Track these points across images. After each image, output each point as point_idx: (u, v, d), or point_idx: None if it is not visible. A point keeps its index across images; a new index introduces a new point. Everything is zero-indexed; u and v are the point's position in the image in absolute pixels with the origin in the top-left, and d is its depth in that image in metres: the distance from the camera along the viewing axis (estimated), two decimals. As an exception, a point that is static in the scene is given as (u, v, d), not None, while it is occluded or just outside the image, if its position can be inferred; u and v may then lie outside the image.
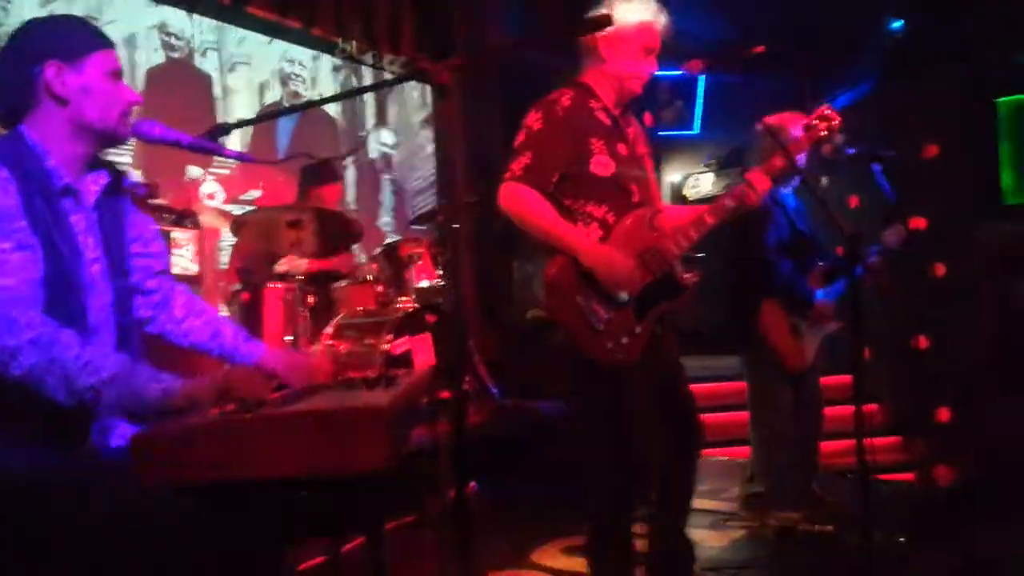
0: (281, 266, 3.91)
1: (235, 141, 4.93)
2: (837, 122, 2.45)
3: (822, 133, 2.45)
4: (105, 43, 1.57)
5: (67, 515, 1.32)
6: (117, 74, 1.57)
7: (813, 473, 3.31)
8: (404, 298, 3.96)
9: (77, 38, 1.54)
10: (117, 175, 1.66)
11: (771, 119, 3.11)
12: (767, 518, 3.22)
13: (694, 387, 2.39)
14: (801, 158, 2.99)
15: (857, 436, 2.14)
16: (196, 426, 1.21)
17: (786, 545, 2.98)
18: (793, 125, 2.95)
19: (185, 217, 3.51)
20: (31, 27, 1.56)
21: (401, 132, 6.55)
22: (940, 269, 4.83)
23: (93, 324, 1.52)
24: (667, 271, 2.23)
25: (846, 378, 3.99)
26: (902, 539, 2.83)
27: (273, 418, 1.22)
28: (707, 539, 3.08)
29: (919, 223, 4.60)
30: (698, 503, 2.36)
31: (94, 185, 1.59)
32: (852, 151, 3.39)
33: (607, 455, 2.20)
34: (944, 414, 4.33)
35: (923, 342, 4.74)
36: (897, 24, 5.67)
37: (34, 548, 1.31)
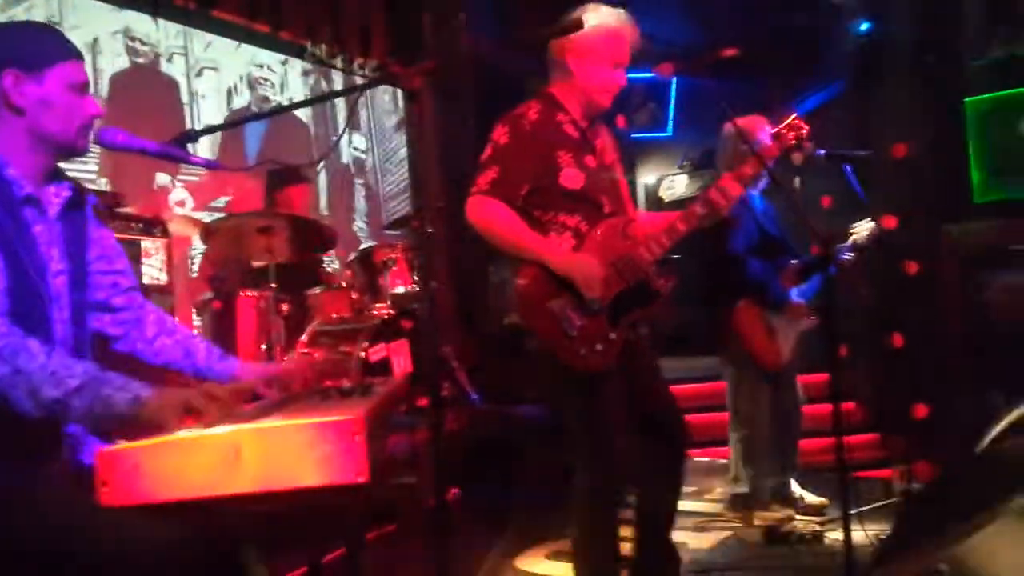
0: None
1: (204, 147, 4.86)
2: (805, 131, 2.47)
3: (791, 142, 2.47)
4: (70, 54, 1.51)
5: (24, 532, 1.27)
6: (81, 87, 1.51)
7: (794, 472, 3.33)
8: (380, 304, 3.92)
9: (40, 48, 1.49)
10: (79, 189, 1.62)
11: (740, 121, 3.13)
12: (751, 518, 3.22)
13: (675, 388, 2.38)
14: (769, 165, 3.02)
15: (835, 434, 2.15)
16: (164, 443, 1.16)
17: (771, 545, 2.98)
18: (759, 129, 2.98)
19: (154, 225, 3.43)
20: None
21: (373, 136, 6.50)
22: (912, 267, 4.88)
23: (57, 336, 1.47)
24: (641, 278, 2.22)
25: (823, 376, 4.02)
26: (879, 537, 2.84)
27: (246, 433, 1.17)
28: (693, 540, 3.08)
29: (890, 222, 4.65)
30: (682, 504, 2.35)
31: (56, 198, 1.55)
32: (823, 152, 3.42)
33: (586, 459, 2.18)
34: (921, 410, 4.37)
35: (898, 340, 4.79)
36: (865, 26, 5.74)
37: None
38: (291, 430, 1.16)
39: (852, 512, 2.09)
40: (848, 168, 3.37)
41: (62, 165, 1.60)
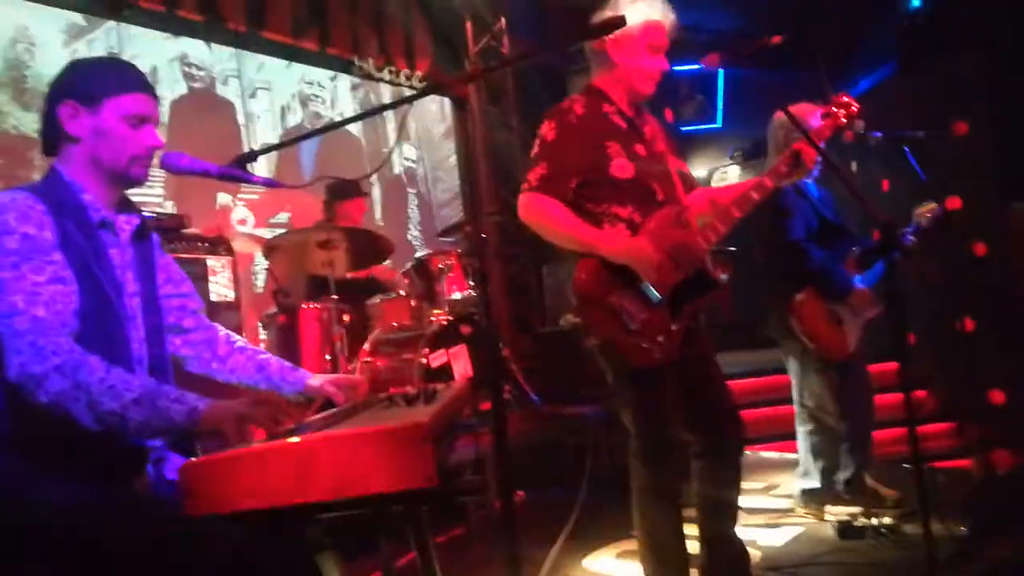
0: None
1: (261, 166, 5.00)
2: (856, 108, 2.41)
3: (842, 121, 2.41)
4: (131, 87, 1.56)
5: (114, 545, 1.32)
6: (137, 119, 1.56)
7: (867, 464, 3.23)
8: (437, 311, 3.96)
9: (99, 81, 1.55)
10: (145, 219, 1.69)
11: (792, 108, 3.06)
12: (824, 513, 3.15)
13: (738, 383, 2.34)
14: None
15: (908, 424, 2.08)
16: (243, 454, 1.21)
17: (845, 540, 2.90)
18: (811, 116, 2.91)
19: (219, 244, 3.55)
20: (66, 68, 1.59)
21: (423, 145, 6.58)
22: (980, 249, 4.71)
23: (135, 355, 1.54)
24: (698, 267, 2.19)
25: (892, 365, 3.90)
26: (963, 528, 2.75)
27: (318, 442, 1.21)
28: (763, 537, 3.02)
29: (954, 203, 4.50)
30: (752, 501, 2.30)
31: (127, 224, 1.62)
32: (879, 134, 3.32)
33: (646, 455, 2.16)
34: (998, 396, 4.21)
35: (969, 324, 4.62)
36: (915, 3, 5.56)
37: None
38: (361, 437, 1.19)
39: (931, 504, 2.02)
40: (907, 149, 3.28)
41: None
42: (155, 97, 1.62)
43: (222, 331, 1.85)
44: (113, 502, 1.40)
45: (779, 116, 3.17)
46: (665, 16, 2.24)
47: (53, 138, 1.55)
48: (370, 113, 4.95)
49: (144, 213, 1.71)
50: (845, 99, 2.42)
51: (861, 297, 3.15)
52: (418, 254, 4.56)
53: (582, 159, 2.17)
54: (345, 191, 4.26)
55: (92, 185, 1.55)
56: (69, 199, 1.50)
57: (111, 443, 1.39)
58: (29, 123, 4.20)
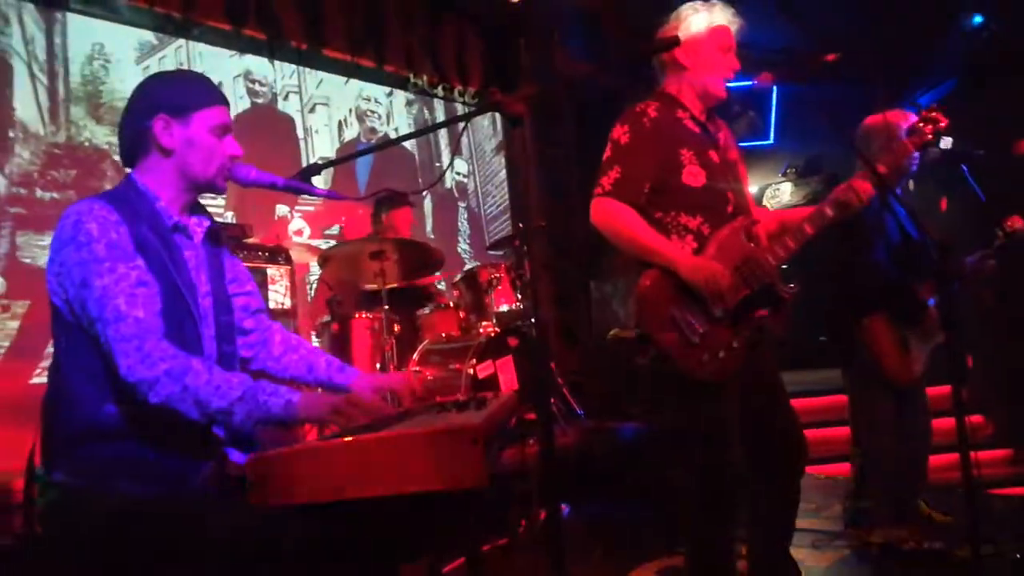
0: None
1: (318, 179, 5.14)
2: (944, 123, 2.34)
3: (928, 136, 2.35)
4: (215, 100, 1.67)
5: (182, 529, 1.41)
6: (223, 128, 1.66)
7: (920, 488, 3.14)
8: (485, 323, 4.02)
9: (188, 94, 1.64)
10: (215, 221, 1.78)
11: (875, 119, 2.99)
12: (873, 536, 3.08)
13: (795, 402, 2.29)
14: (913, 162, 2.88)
15: (962, 449, 2.03)
16: (302, 449, 1.27)
17: (893, 564, 2.84)
18: (904, 123, 2.84)
19: (278, 254, 3.68)
20: (150, 83, 1.68)
21: (474, 160, 6.69)
22: (1044, 269, 4.58)
23: (206, 352, 1.63)
24: (766, 283, 2.14)
25: (947, 388, 3.80)
26: (1018, 555, 2.68)
27: (374, 440, 1.26)
28: (810, 559, 2.97)
29: (1017, 222, 4.39)
30: (800, 522, 2.27)
31: (199, 227, 1.71)
32: (938, 151, 3.26)
33: (700, 472, 2.11)
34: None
35: (1029, 347, 4.50)
36: (976, 20, 5.45)
37: (159, 567, 1.41)
38: (415, 437, 1.24)
39: (983, 530, 1.98)
40: (965, 168, 3.20)
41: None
42: (229, 108, 1.72)
43: (279, 331, 1.93)
44: (180, 498, 1.48)
45: (868, 123, 3.06)
46: (731, 21, 2.25)
47: (140, 150, 1.63)
48: (428, 130, 5.08)
49: (212, 216, 1.80)
50: (934, 114, 2.36)
51: (933, 322, 3.00)
52: (467, 266, 4.63)
53: (655, 164, 2.13)
54: (392, 201, 4.36)
55: (168, 193, 1.63)
56: (143, 206, 1.59)
57: (182, 430, 1.48)
58: (102, 136, 4.42)
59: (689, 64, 2.22)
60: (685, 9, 2.25)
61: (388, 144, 3.75)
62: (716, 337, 2.08)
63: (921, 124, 2.35)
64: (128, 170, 1.66)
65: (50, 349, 1.58)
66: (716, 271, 2.05)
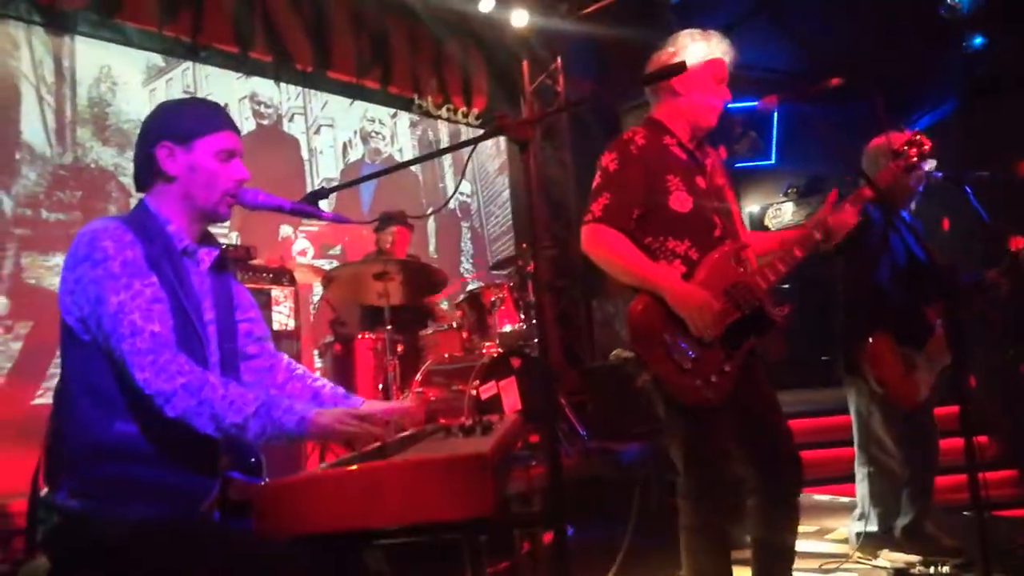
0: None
1: (323, 200, 5.17)
2: (928, 147, 2.38)
3: (913, 159, 2.38)
4: (221, 125, 1.68)
5: (191, 564, 1.40)
6: (228, 153, 1.67)
7: (927, 511, 3.13)
8: (488, 343, 4.02)
9: (192, 121, 1.66)
10: (224, 251, 1.79)
11: (880, 140, 3.02)
12: (879, 559, 3.06)
13: (795, 423, 2.29)
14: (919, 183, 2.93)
15: (969, 470, 2.02)
16: (308, 478, 1.27)
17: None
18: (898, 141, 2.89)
19: (282, 275, 3.69)
20: (158, 110, 1.70)
21: (477, 181, 6.72)
22: (1047, 290, 4.58)
23: None
24: (756, 306, 2.17)
25: (954, 409, 3.80)
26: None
27: (382, 468, 1.26)
28: (815, 583, 2.96)
29: (1020, 243, 4.40)
30: (805, 545, 2.25)
31: (207, 256, 1.72)
32: (940, 175, 3.27)
33: (695, 495, 2.13)
34: (1064, 444, 4.07)
35: (1034, 368, 4.49)
36: (977, 41, 5.49)
37: None
38: (425, 465, 1.24)
39: (992, 554, 1.97)
40: (968, 189, 3.21)
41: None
42: (238, 132, 1.73)
43: (284, 359, 1.93)
44: (186, 522, 1.48)
45: (875, 144, 3.09)
46: (725, 53, 2.28)
47: (148, 176, 1.65)
48: (434, 155, 5.12)
49: (222, 246, 1.81)
50: (917, 137, 2.40)
51: (939, 344, 3.00)
52: (470, 287, 4.64)
53: (643, 190, 2.16)
54: (390, 219, 4.38)
55: (178, 219, 1.65)
56: (156, 228, 1.61)
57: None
58: (108, 158, 4.45)
59: (683, 91, 2.25)
60: (683, 36, 2.28)
61: (394, 169, 3.78)
62: (708, 362, 2.09)
63: (906, 147, 2.38)
64: (141, 195, 1.68)
65: (53, 370, 1.58)
66: (704, 301, 2.07)
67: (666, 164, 2.21)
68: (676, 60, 2.14)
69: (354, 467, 1.28)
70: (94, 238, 1.51)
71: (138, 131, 1.68)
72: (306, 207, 1.83)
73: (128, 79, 4.64)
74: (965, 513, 3.44)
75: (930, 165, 3.00)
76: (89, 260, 1.49)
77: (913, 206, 3.20)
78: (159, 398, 1.44)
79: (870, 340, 2.98)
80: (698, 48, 2.25)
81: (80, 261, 1.50)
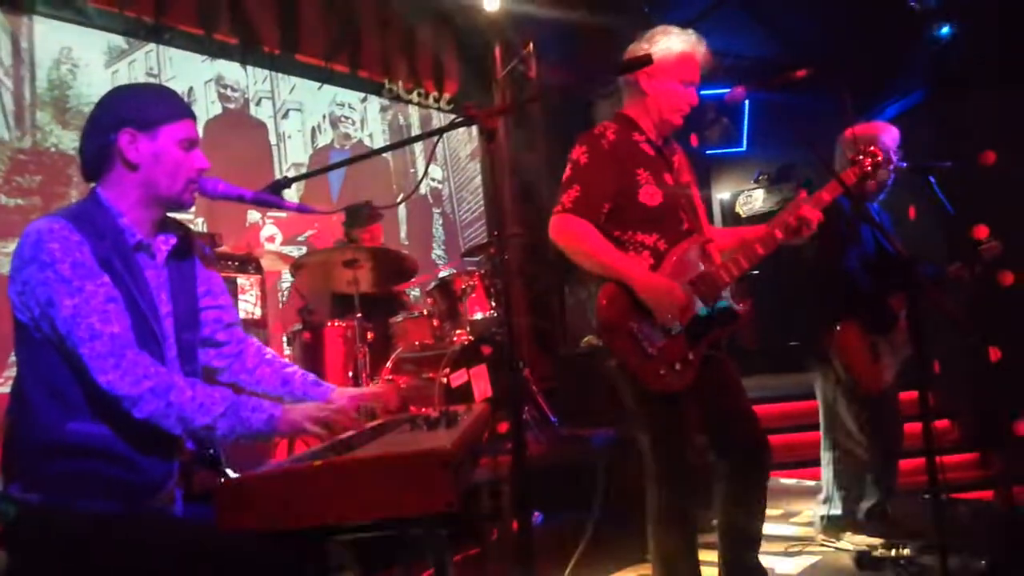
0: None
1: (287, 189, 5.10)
2: (880, 159, 2.45)
3: (867, 168, 2.45)
4: (182, 114, 1.64)
5: (149, 558, 1.38)
6: (190, 142, 1.63)
7: (890, 494, 3.20)
8: (459, 331, 4.01)
9: (155, 108, 1.61)
10: (186, 235, 1.74)
11: (858, 129, 3.08)
12: (842, 541, 3.13)
13: (762, 408, 2.34)
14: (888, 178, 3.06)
15: (928, 454, 2.07)
16: (268, 474, 1.26)
17: (863, 570, 2.88)
18: (883, 135, 3.00)
19: (248, 263, 3.63)
20: (115, 95, 1.64)
21: (449, 166, 6.67)
22: (1008, 278, 4.68)
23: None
24: (719, 298, 2.23)
25: (915, 393, 3.86)
26: (983, 562, 2.72)
27: (341, 465, 1.25)
28: (781, 565, 3.01)
29: (981, 232, 4.48)
30: (770, 528, 2.30)
31: (164, 245, 1.68)
32: (905, 164, 3.32)
33: (660, 480, 2.18)
34: (1022, 428, 4.16)
35: (995, 354, 4.58)
36: (944, 31, 5.55)
37: None
38: (385, 461, 1.23)
39: (950, 536, 2.01)
40: (932, 179, 3.26)
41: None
42: (196, 121, 1.70)
43: (255, 344, 1.91)
44: (145, 515, 1.46)
45: (847, 135, 3.14)
46: (697, 50, 2.31)
47: (103, 164, 1.59)
48: (404, 143, 5.08)
49: (186, 230, 1.76)
50: (872, 149, 2.47)
51: (903, 334, 3.07)
52: (442, 274, 4.62)
53: (613, 184, 2.21)
54: (360, 219, 4.33)
55: (133, 209, 1.60)
56: (106, 224, 1.55)
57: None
58: (68, 142, 4.35)
59: (649, 92, 2.30)
60: (659, 31, 2.30)
61: (363, 157, 3.74)
62: (672, 350, 2.16)
63: (860, 157, 2.45)
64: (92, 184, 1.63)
65: (15, 358, 1.55)
66: (670, 291, 2.13)
67: (636, 159, 2.26)
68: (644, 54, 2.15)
69: (317, 463, 1.27)
70: (39, 240, 1.45)
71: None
72: (268, 197, 1.80)
73: (89, 61, 4.52)
74: (926, 496, 3.51)
75: (883, 176, 3.08)
76: (36, 263, 1.45)
77: (883, 196, 3.26)
78: (126, 401, 1.42)
79: (838, 327, 3.05)
80: (672, 42, 2.28)
81: (27, 263, 1.46)
